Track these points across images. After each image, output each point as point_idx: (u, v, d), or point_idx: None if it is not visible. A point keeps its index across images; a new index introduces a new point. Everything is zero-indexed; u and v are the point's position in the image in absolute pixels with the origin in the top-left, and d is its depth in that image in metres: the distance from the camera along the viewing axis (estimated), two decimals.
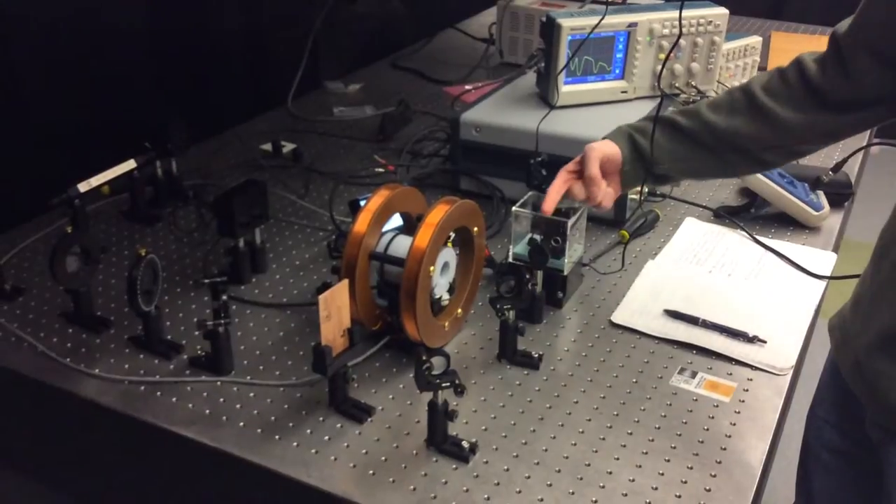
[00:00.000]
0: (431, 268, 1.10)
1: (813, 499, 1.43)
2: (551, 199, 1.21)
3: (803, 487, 1.46)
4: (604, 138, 1.26)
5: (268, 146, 1.75)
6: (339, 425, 1.04)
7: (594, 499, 0.94)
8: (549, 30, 1.55)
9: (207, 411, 1.06)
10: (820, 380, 1.40)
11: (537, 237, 1.24)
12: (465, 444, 0.99)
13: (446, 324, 1.17)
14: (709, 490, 0.95)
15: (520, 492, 0.94)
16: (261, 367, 1.14)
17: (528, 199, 1.28)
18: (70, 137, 1.59)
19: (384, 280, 1.16)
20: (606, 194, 1.24)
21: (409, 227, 1.19)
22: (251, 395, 1.09)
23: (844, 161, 1.53)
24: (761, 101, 1.16)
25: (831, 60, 1.12)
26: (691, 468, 0.98)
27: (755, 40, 1.97)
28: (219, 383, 1.11)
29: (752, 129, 1.17)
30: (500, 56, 2.28)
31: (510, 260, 1.26)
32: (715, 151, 1.21)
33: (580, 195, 1.23)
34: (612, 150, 1.23)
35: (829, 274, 1.36)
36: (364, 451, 1.00)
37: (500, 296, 1.13)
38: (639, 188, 1.49)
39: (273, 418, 1.05)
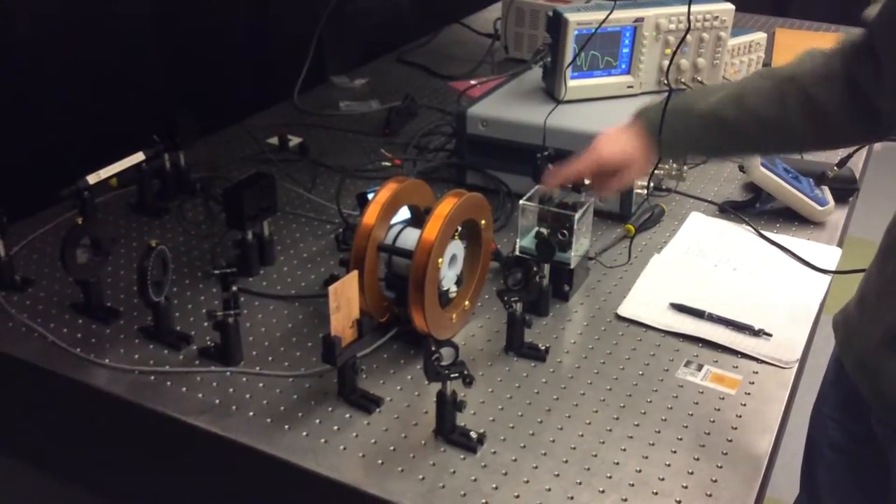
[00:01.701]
0: (440, 260, 1.10)
1: (817, 494, 1.43)
2: (554, 181, 1.24)
3: (807, 483, 1.46)
4: (648, 134, 1.23)
5: (274, 140, 1.76)
6: (347, 415, 1.05)
7: (601, 489, 0.94)
8: (556, 24, 1.56)
9: (217, 401, 1.07)
10: (824, 376, 1.40)
11: (544, 230, 1.24)
12: (473, 435, 1.00)
13: (454, 316, 1.18)
14: (715, 481, 0.96)
15: (527, 481, 0.95)
16: (270, 358, 1.15)
17: (535, 192, 1.28)
18: (78, 129, 1.59)
19: (392, 272, 1.17)
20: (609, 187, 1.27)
21: (417, 219, 1.20)
22: (260, 385, 1.10)
23: (849, 156, 1.53)
24: (817, 99, 1.13)
25: (864, 51, 1.10)
26: (698, 459, 0.99)
27: (760, 37, 1.97)
28: (228, 373, 1.12)
29: (806, 128, 1.15)
30: (506, 51, 2.28)
31: (517, 253, 1.27)
32: (757, 144, 1.22)
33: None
34: (632, 157, 1.23)
35: (833, 269, 1.37)
36: (373, 440, 1.01)
37: (507, 288, 1.14)
38: (644, 183, 1.50)
39: (282, 408, 1.06)
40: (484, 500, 0.93)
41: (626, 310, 1.25)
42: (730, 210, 1.53)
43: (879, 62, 1.08)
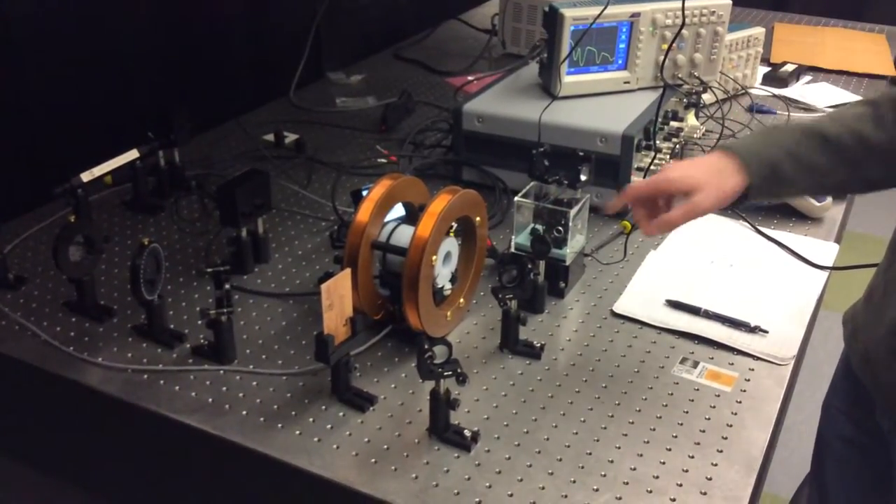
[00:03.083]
0: (434, 257, 1.10)
1: (826, 488, 1.44)
2: (615, 205, 1.15)
3: (817, 476, 1.47)
4: (734, 152, 1.09)
5: (270, 136, 1.75)
6: (341, 414, 1.04)
7: (595, 487, 0.94)
8: (552, 20, 1.55)
9: (210, 400, 1.06)
10: (835, 371, 1.40)
11: (539, 227, 1.24)
12: (467, 433, 0.99)
13: (448, 313, 1.18)
14: (710, 479, 0.95)
15: (521, 480, 0.95)
16: (263, 356, 1.14)
17: (531, 189, 1.28)
18: (73, 127, 1.59)
19: (386, 269, 1.16)
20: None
21: (412, 216, 1.20)
22: (254, 383, 1.09)
23: None
24: None
25: None
26: (692, 457, 0.98)
27: (758, 31, 1.96)
28: (221, 372, 1.11)
29: None
30: (503, 47, 2.27)
31: (512, 250, 1.27)
32: (858, 166, 1.09)
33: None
34: (706, 177, 1.09)
35: (830, 265, 1.36)
36: (366, 439, 1.00)
37: (502, 286, 1.14)
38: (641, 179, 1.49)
39: (275, 407, 1.05)
40: (478, 499, 0.92)
41: (621, 307, 1.25)
42: (727, 206, 1.51)
43: None
